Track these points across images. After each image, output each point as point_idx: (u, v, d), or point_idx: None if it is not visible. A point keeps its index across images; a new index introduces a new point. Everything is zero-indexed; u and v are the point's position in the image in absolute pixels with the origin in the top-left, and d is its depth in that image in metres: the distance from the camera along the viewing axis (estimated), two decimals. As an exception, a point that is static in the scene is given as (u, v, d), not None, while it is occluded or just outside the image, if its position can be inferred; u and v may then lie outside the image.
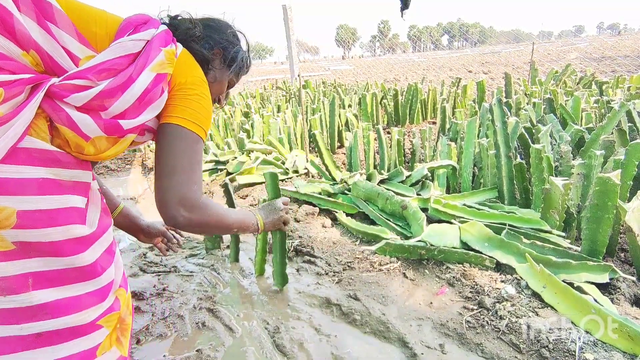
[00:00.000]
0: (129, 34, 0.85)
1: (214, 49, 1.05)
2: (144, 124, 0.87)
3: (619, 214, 1.41)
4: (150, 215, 2.73)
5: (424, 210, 1.86)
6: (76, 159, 0.81)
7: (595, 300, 1.25)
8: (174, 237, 1.50)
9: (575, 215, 1.69)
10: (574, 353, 1.11)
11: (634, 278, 1.39)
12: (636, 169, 1.54)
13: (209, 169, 3.34)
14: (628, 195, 1.58)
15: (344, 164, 3.22)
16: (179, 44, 0.95)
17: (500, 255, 1.48)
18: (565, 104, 3.04)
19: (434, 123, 4.59)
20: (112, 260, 0.88)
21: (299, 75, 3.55)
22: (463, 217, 1.72)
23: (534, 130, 2.34)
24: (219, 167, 3.34)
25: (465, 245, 1.60)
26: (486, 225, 1.67)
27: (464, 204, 1.85)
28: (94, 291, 0.81)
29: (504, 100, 3.34)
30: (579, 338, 1.15)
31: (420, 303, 1.48)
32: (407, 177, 2.22)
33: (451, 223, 1.71)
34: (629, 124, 2.35)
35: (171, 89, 0.91)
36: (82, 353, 0.79)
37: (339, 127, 3.98)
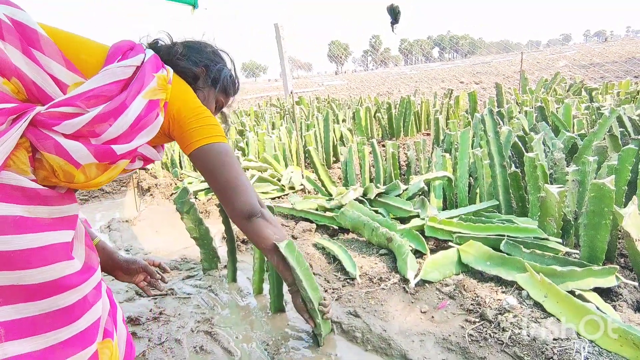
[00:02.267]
0: (118, 60, 0.85)
1: (197, 67, 1.06)
2: (136, 150, 0.87)
3: (616, 220, 1.40)
4: (147, 239, 2.71)
5: (422, 231, 1.85)
6: (59, 194, 0.78)
7: (598, 308, 1.24)
8: (158, 272, 1.42)
9: (573, 222, 1.68)
10: (579, 364, 1.09)
11: (635, 283, 1.38)
12: (630, 174, 1.55)
13: (205, 189, 3.33)
14: (624, 200, 1.58)
15: (340, 179, 3.22)
16: (169, 68, 0.96)
17: (503, 272, 1.47)
18: (557, 112, 3.07)
19: (428, 134, 4.62)
20: (97, 300, 0.82)
21: (291, 93, 3.58)
22: (460, 233, 1.71)
23: (526, 139, 2.36)
24: (215, 186, 3.33)
25: (465, 267, 1.58)
26: (485, 238, 1.66)
27: (461, 216, 1.84)
28: (71, 338, 0.75)
29: (496, 109, 3.37)
30: (584, 348, 1.13)
31: (422, 317, 1.46)
32: (404, 190, 2.21)
33: (448, 245, 1.70)
34: (621, 129, 2.37)
35: (172, 114, 0.94)
36: None
37: (333, 142, 4.00)
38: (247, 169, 3.32)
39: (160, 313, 1.74)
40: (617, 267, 1.36)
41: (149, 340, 1.55)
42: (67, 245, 0.78)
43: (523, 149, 2.25)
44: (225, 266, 2.12)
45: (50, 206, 0.75)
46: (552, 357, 1.13)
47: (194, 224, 2.05)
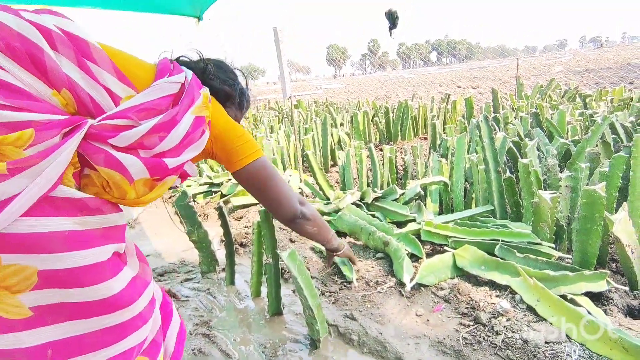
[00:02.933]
0: (167, 75, 0.86)
1: (226, 86, 1.10)
2: (183, 165, 0.87)
3: (607, 225, 1.43)
4: (145, 241, 2.72)
5: (418, 235, 1.87)
6: (106, 202, 0.76)
7: (589, 312, 1.26)
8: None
9: (566, 227, 1.71)
10: (570, 366, 1.12)
11: (626, 288, 1.41)
12: (620, 181, 1.58)
13: (204, 192, 3.35)
14: (615, 206, 1.61)
15: (338, 183, 3.25)
16: (205, 87, 0.97)
17: (497, 276, 1.50)
18: (551, 118, 3.11)
19: (425, 139, 4.66)
20: (149, 317, 0.80)
21: (290, 97, 3.61)
22: (456, 237, 1.74)
23: (521, 145, 2.40)
24: (214, 189, 3.35)
25: (461, 271, 1.61)
26: (480, 242, 1.69)
27: (456, 220, 1.87)
28: (117, 355, 0.73)
29: (492, 115, 3.41)
30: (574, 351, 1.15)
31: (417, 321, 1.49)
32: (401, 195, 2.24)
33: (444, 249, 1.73)
34: (613, 136, 2.42)
35: (217, 134, 0.99)
36: None
37: (331, 146, 4.03)
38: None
39: (159, 315, 1.75)
40: (608, 272, 1.39)
41: (147, 342, 1.56)
42: (120, 260, 0.77)
43: (518, 154, 2.29)
44: (223, 269, 2.14)
45: (99, 215, 0.73)
46: (543, 360, 1.16)
47: (192, 227, 2.07)
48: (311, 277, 1.92)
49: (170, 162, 0.81)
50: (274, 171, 1.12)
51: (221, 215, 1.99)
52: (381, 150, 4.44)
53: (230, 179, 3.34)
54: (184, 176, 0.95)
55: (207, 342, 1.55)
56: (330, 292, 1.76)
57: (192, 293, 1.95)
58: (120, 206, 0.81)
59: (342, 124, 4.80)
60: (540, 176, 1.79)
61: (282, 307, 1.70)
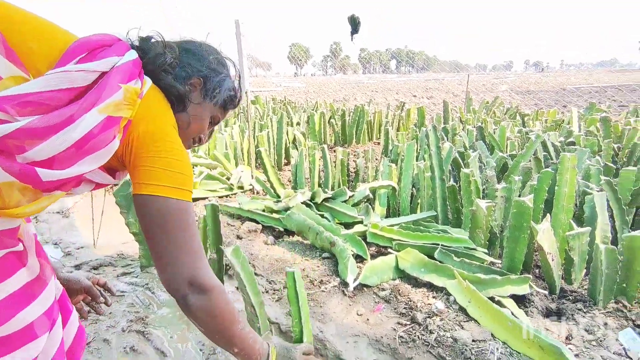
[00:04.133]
0: (78, 59, 0.65)
1: (192, 78, 0.83)
2: (80, 177, 0.68)
3: (533, 234, 1.56)
4: (80, 232, 2.54)
5: (364, 237, 1.92)
6: None
7: (513, 314, 1.37)
8: (102, 294, 1.15)
9: (498, 235, 1.84)
10: (492, 363, 1.20)
11: (546, 292, 1.54)
12: (546, 194, 1.73)
13: (149, 182, 3.20)
14: (540, 217, 1.76)
15: (290, 182, 3.24)
16: (147, 79, 0.75)
17: (435, 278, 1.57)
18: (494, 132, 3.34)
19: (378, 144, 4.80)
20: (43, 333, 0.70)
21: (247, 92, 3.55)
22: (400, 240, 1.80)
23: (465, 155, 2.55)
24: (160, 180, 3.21)
25: (402, 273, 1.67)
26: (421, 246, 1.77)
27: (401, 224, 1.95)
28: None
29: (442, 126, 3.59)
30: (497, 349, 1.24)
31: (358, 320, 1.52)
32: (350, 196, 2.29)
33: (388, 251, 1.79)
34: (544, 153, 2.64)
35: (132, 139, 0.72)
36: None
37: (286, 145, 4.01)
38: (196, 166, 3.24)
39: (88, 312, 1.64)
40: (531, 276, 1.52)
41: (74, 339, 1.46)
42: (16, 260, 0.68)
43: (462, 164, 2.43)
44: (164, 264, 2.05)
45: None
46: (470, 357, 1.24)
47: (134, 219, 1.97)
48: (256, 274, 1.91)
49: (46, 174, 0.61)
50: (188, 225, 0.73)
51: (165, 208, 1.91)
52: (334, 152, 4.51)
53: (178, 171, 3.22)
54: (99, 185, 0.77)
55: (141, 339, 1.48)
56: (274, 290, 1.76)
57: (129, 288, 1.86)
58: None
59: (298, 124, 4.80)
60: (480, 186, 1.91)
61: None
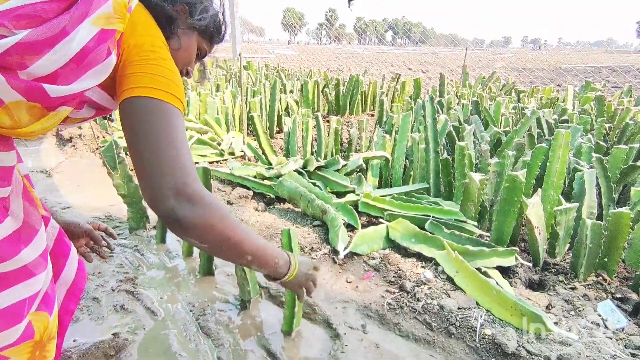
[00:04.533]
0: None
1: (178, 4, 0.82)
2: (82, 94, 0.67)
3: (522, 208, 1.58)
4: (66, 193, 2.50)
5: (356, 206, 1.93)
6: None
7: (497, 284, 1.40)
8: (103, 238, 1.14)
9: (489, 209, 1.86)
10: (475, 329, 1.24)
11: (530, 264, 1.58)
12: (539, 169, 1.74)
13: (138, 145, 3.13)
14: (531, 192, 1.78)
15: (282, 149, 3.21)
16: None
17: (425, 249, 1.59)
18: (489, 108, 3.32)
19: (372, 115, 4.74)
20: (41, 271, 0.70)
21: (240, 55, 3.43)
22: (391, 210, 1.81)
23: (460, 129, 2.53)
24: (149, 143, 3.14)
25: (392, 242, 1.69)
26: (412, 217, 1.78)
27: (393, 195, 1.95)
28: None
29: (437, 99, 3.55)
30: (481, 316, 1.28)
31: (347, 287, 1.55)
32: (343, 166, 2.27)
33: (379, 221, 1.80)
34: (538, 130, 2.64)
35: (122, 52, 0.71)
36: None
37: (278, 112, 3.94)
38: (186, 129, 3.17)
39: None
40: (517, 249, 1.55)
41: (63, 297, 1.46)
42: (4, 202, 0.66)
43: (456, 138, 2.42)
44: (154, 227, 2.04)
45: None
46: (454, 324, 1.27)
47: (122, 180, 1.93)
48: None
49: (53, 90, 0.62)
50: (177, 129, 0.69)
51: (155, 170, 1.87)
52: (328, 121, 4.46)
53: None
54: (99, 108, 0.76)
55: (130, 298, 1.49)
56: (264, 256, 1.76)
57: (118, 249, 1.84)
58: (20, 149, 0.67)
59: (291, 91, 4.70)
60: (473, 160, 1.91)
61: (214, 267, 1.67)
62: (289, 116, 4.02)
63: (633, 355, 1.12)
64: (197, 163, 2.86)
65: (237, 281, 1.49)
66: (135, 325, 1.34)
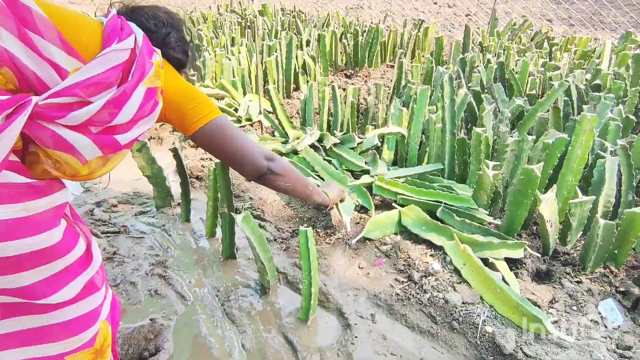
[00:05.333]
0: (116, 42, 0.79)
1: (183, 52, 1.05)
2: (135, 139, 0.85)
3: (536, 201, 1.58)
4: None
5: (370, 188, 1.96)
6: (51, 182, 0.74)
7: (503, 279, 1.47)
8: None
9: (502, 192, 1.87)
10: (477, 325, 1.34)
11: (538, 255, 1.63)
12: (557, 161, 1.71)
13: (157, 112, 3.17)
14: (547, 182, 1.77)
15: (298, 114, 3.19)
16: (157, 51, 0.91)
17: (435, 237, 1.65)
18: (516, 65, 3.13)
19: (392, 67, 4.55)
20: (103, 284, 0.87)
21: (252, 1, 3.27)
22: (404, 195, 1.85)
23: (482, 97, 2.45)
24: (168, 111, 3.17)
25: (404, 228, 1.74)
26: (424, 202, 1.82)
27: (407, 178, 1.97)
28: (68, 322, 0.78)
29: (460, 56, 3.36)
30: (484, 312, 1.37)
31: (359, 273, 1.65)
32: (359, 143, 2.27)
33: (392, 205, 1.84)
34: (566, 98, 2.51)
35: (170, 101, 0.97)
36: None
37: (295, 70, 3.83)
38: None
39: (114, 253, 1.80)
40: (527, 243, 1.59)
41: (103, 281, 1.63)
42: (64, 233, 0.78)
43: (476, 109, 2.35)
44: (178, 203, 2.16)
45: (44, 198, 0.72)
46: (458, 319, 1.37)
47: (146, 163, 2.01)
48: (265, 220, 2.01)
49: (122, 139, 0.79)
50: (233, 130, 1.10)
51: (176, 157, 1.94)
52: (347, 76, 4.32)
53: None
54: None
55: (163, 283, 1.64)
56: (282, 239, 1.87)
57: (148, 229, 1.99)
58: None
59: (308, 42, 4.50)
60: (490, 143, 1.88)
61: (235, 251, 1.79)
62: (306, 73, 3.92)
63: (621, 356, 1.20)
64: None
65: (257, 268, 1.61)
66: (169, 310, 1.50)
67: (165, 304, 1.54)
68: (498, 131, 1.94)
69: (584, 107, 2.27)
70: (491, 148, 1.98)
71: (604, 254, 1.53)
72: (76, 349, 0.80)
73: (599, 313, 1.36)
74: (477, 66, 3.16)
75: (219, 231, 1.91)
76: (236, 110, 3.13)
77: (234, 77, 3.38)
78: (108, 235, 1.93)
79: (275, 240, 1.87)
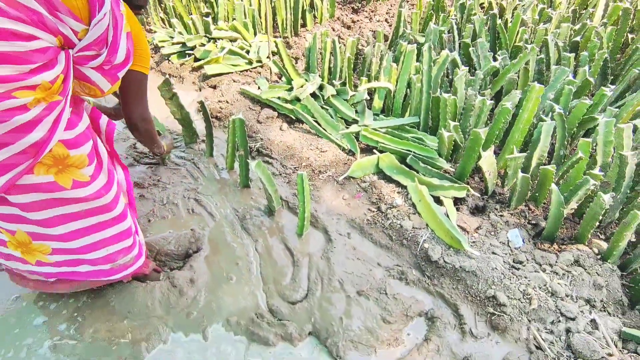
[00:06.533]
0: (98, 10, 1.08)
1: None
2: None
3: (480, 155, 2.06)
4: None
5: (357, 136, 2.43)
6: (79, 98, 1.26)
7: (446, 212, 2.01)
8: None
9: (461, 144, 2.33)
10: (419, 243, 1.92)
11: (478, 195, 2.15)
12: (503, 124, 2.14)
13: (177, 52, 3.51)
14: (502, 137, 2.21)
15: (304, 56, 3.50)
16: (121, 3, 1.22)
17: (402, 179, 2.17)
18: (512, 15, 3.32)
19: None
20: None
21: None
22: (384, 143, 2.32)
23: (470, 51, 2.76)
24: (187, 51, 3.50)
25: (380, 170, 2.25)
26: (399, 150, 2.30)
27: (388, 129, 2.43)
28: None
29: (461, 1, 3.52)
30: (426, 234, 1.94)
31: (342, 203, 2.21)
32: (352, 95, 2.68)
33: (373, 151, 2.32)
34: (542, 56, 2.80)
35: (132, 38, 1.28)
36: None
37: (303, 7, 4.01)
38: (219, 39, 3.47)
39: (158, 180, 2.36)
40: (468, 187, 2.10)
41: (154, 201, 2.21)
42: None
43: (459, 64, 2.68)
44: (203, 140, 2.67)
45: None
46: (407, 238, 1.95)
47: (176, 108, 2.48)
48: (272, 157, 2.53)
49: (120, 74, 1.24)
50: (143, 88, 1.48)
51: (202, 107, 2.39)
52: (349, 27, 4.45)
53: (202, 44, 3.47)
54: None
55: (197, 204, 2.23)
56: (286, 174, 2.41)
57: (181, 162, 2.53)
58: None
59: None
60: (457, 104, 2.29)
61: (249, 181, 2.34)
62: (314, 9, 4.10)
63: (512, 267, 1.78)
64: (231, 73, 3.28)
65: (266, 197, 2.17)
66: (203, 224, 2.10)
67: (200, 219, 2.13)
68: (466, 94, 2.33)
69: (552, 67, 2.60)
70: (462, 107, 2.39)
71: (523, 197, 2.04)
72: None
73: (507, 238, 1.92)
74: (475, 14, 3.37)
75: (236, 165, 2.44)
76: (247, 52, 3.45)
77: (245, 18, 3.62)
78: (150, 165, 2.48)
79: (280, 174, 2.41)
